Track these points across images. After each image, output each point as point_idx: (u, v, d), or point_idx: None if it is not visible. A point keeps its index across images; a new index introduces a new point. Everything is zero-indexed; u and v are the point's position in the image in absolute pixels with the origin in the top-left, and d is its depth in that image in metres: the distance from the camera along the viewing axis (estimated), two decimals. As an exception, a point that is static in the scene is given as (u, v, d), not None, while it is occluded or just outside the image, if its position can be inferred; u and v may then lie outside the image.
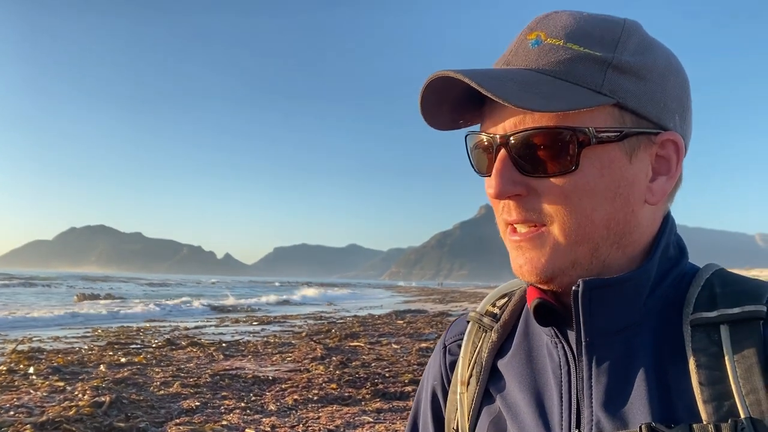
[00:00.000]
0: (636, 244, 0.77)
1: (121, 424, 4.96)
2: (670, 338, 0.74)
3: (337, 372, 7.68)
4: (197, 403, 5.84)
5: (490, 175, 0.76)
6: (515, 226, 0.77)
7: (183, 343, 11.12)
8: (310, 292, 45.18)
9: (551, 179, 0.73)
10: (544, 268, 0.75)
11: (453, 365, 0.94)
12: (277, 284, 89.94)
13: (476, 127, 0.82)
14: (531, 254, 0.75)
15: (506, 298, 0.94)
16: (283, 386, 6.90)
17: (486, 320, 0.91)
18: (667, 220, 0.81)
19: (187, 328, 15.07)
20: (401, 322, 17.03)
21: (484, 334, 0.91)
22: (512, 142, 0.73)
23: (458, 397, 0.89)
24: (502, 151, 0.74)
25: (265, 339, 12.40)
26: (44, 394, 6.16)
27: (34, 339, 11.66)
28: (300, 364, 8.75)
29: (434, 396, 0.97)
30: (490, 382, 0.87)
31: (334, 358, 8.98)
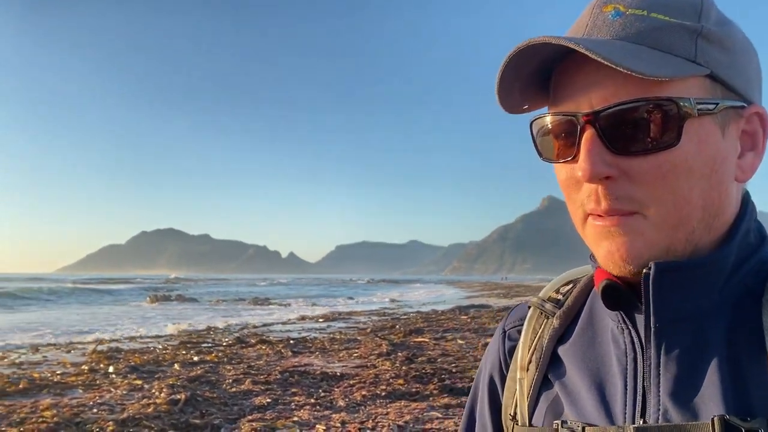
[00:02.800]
0: (723, 226, 0.72)
1: (197, 421, 5.11)
2: (747, 328, 0.69)
3: (404, 368, 7.69)
4: (268, 400, 5.96)
5: (566, 161, 0.72)
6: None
7: (252, 341, 11.39)
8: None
9: (648, 157, 0.67)
10: (639, 256, 0.69)
11: (512, 351, 0.91)
12: (364, 281, 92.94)
13: (533, 113, 0.77)
14: (623, 240, 0.69)
15: (571, 285, 0.90)
16: (350, 382, 6.96)
17: (548, 306, 0.88)
18: (747, 201, 0.76)
19: (255, 326, 15.44)
20: (465, 317, 16.91)
21: (545, 320, 0.88)
22: (603, 118, 0.68)
23: (517, 382, 0.86)
24: (590, 130, 0.68)
25: (331, 335, 12.56)
26: (124, 392, 6.41)
27: (112, 339, 12.19)
28: (366, 360, 8.81)
29: (491, 382, 0.94)
30: (550, 369, 0.84)
31: (399, 353, 9.00)
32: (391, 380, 6.94)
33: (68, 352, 10.32)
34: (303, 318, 18.49)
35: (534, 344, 0.86)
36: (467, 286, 64.66)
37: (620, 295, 0.74)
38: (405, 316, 18.50)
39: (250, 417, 5.35)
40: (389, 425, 5.10)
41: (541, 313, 0.89)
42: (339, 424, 5.12)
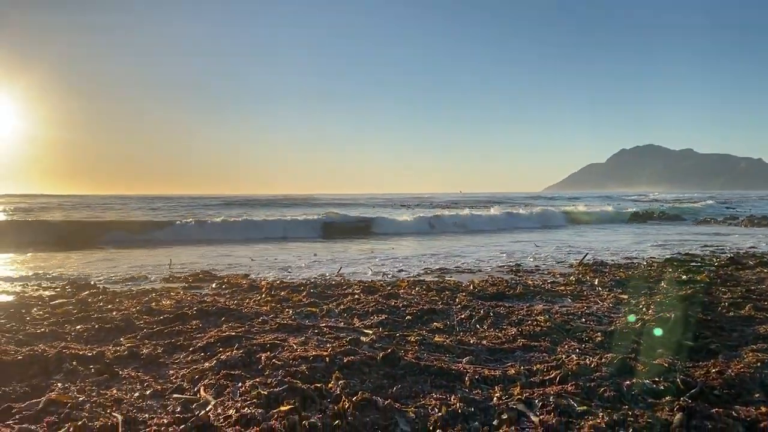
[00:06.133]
0: None
1: (690, 343, 4.72)
2: None
3: None
4: (776, 330, 5.11)
5: None
6: None
7: (750, 262, 10.08)
8: None
9: None
10: None
11: None
12: None
13: None
14: None
15: None
16: None
17: None
18: None
19: (752, 247, 13.69)
20: None
21: None
22: None
23: None
24: None
25: None
26: (610, 304, 6.42)
27: (596, 253, 12.46)
28: None
29: None
30: None
31: None
32: None
33: (558, 263, 11.00)
34: (816, 240, 15.52)
35: None
36: None
37: None
38: None
39: (753, 346, 4.67)
40: None
41: None
42: None
